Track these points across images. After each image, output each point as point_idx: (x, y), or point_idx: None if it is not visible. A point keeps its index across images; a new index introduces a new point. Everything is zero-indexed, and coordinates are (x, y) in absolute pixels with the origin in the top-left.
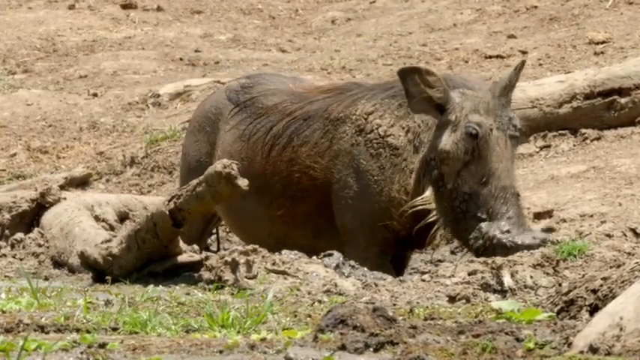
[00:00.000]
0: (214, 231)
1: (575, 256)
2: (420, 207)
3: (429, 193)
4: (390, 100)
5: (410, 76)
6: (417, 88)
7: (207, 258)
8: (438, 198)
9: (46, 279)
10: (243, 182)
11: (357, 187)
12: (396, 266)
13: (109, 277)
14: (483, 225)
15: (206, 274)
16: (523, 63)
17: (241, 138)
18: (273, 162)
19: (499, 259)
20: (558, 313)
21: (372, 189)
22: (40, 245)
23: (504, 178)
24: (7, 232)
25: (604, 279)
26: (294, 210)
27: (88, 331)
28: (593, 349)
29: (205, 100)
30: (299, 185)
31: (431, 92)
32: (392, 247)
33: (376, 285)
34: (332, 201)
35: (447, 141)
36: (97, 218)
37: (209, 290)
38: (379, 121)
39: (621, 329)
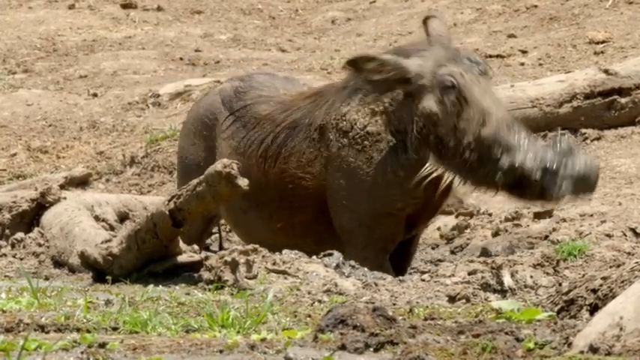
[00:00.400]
0: (215, 230)
1: (575, 255)
2: (428, 175)
3: (431, 159)
4: (355, 93)
5: (356, 67)
6: (368, 75)
7: (207, 258)
8: (444, 160)
9: (47, 279)
10: (243, 182)
11: (350, 187)
12: (401, 258)
13: (109, 277)
14: (505, 160)
15: (206, 274)
16: (427, 18)
17: (237, 151)
18: (267, 174)
19: (499, 259)
20: (558, 312)
21: (366, 184)
22: (40, 245)
23: (498, 110)
24: (7, 231)
25: (604, 279)
26: (292, 221)
27: (88, 331)
28: (593, 349)
29: (199, 102)
30: (294, 196)
31: (380, 76)
32: (397, 238)
33: (376, 285)
34: (329, 206)
35: (431, 104)
36: (97, 218)
37: (209, 290)
38: (355, 116)
39: (621, 329)
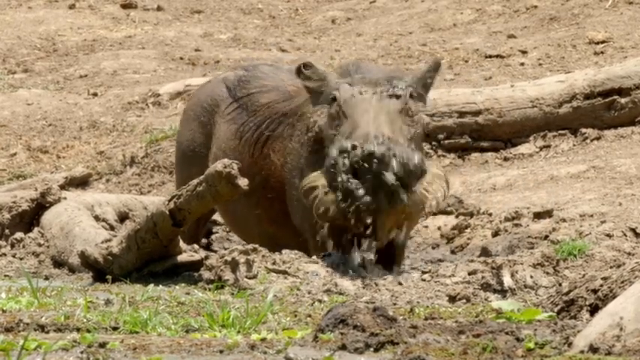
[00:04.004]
0: (216, 230)
1: (575, 255)
2: (309, 186)
3: (318, 172)
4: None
5: (299, 75)
6: (305, 81)
7: (207, 257)
8: (328, 174)
9: (47, 278)
10: (243, 182)
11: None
12: (385, 259)
13: (109, 277)
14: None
15: (206, 274)
16: (438, 64)
17: (235, 136)
18: (256, 161)
19: (499, 259)
20: (558, 312)
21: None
22: (40, 245)
23: (368, 126)
24: (7, 231)
25: (604, 279)
26: (272, 209)
27: (88, 331)
28: (594, 349)
29: (200, 89)
30: (272, 184)
31: (310, 84)
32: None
33: (376, 285)
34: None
35: (321, 118)
36: (97, 218)
37: (209, 290)
38: (318, 118)
39: (621, 329)
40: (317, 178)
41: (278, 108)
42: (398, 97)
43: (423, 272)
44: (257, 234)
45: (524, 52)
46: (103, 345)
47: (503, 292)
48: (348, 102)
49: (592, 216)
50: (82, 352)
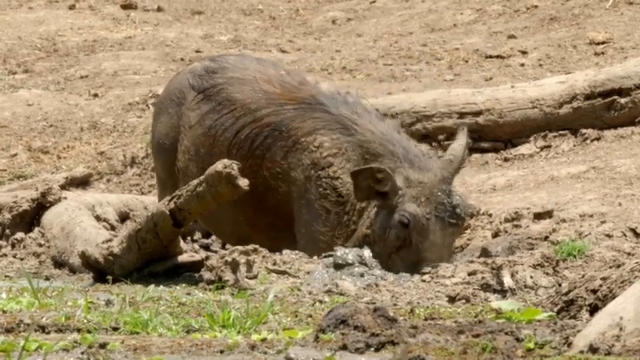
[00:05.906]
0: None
1: (574, 256)
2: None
3: (351, 250)
4: (349, 141)
5: (362, 174)
6: (366, 182)
7: (207, 258)
8: None
9: (47, 279)
10: (243, 182)
11: (308, 219)
12: None
13: (109, 277)
14: None
15: (207, 274)
16: (463, 131)
17: (208, 134)
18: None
19: (499, 259)
20: (558, 312)
21: (320, 224)
22: (40, 245)
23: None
24: (7, 231)
25: (604, 279)
26: (256, 217)
27: (88, 331)
28: (593, 349)
29: (172, 80)
30: (262, 200)
31: (378, 187)
32: None
33: (377, 285)
34: (295, 224)
35: (383, 224)
36: (97, 218)
37: (210, 290)
38: (332, 159)
39: (621, 329)
40: (349, 255)
41: (260, 115)
42: (458, 225)
43: (423, 273)
44: (229, 233)
45: (524, 53)
46: (103, 345)
47: (503, 293)
48: (418, 233)
49: (592, 216)
50: (82, 353)
